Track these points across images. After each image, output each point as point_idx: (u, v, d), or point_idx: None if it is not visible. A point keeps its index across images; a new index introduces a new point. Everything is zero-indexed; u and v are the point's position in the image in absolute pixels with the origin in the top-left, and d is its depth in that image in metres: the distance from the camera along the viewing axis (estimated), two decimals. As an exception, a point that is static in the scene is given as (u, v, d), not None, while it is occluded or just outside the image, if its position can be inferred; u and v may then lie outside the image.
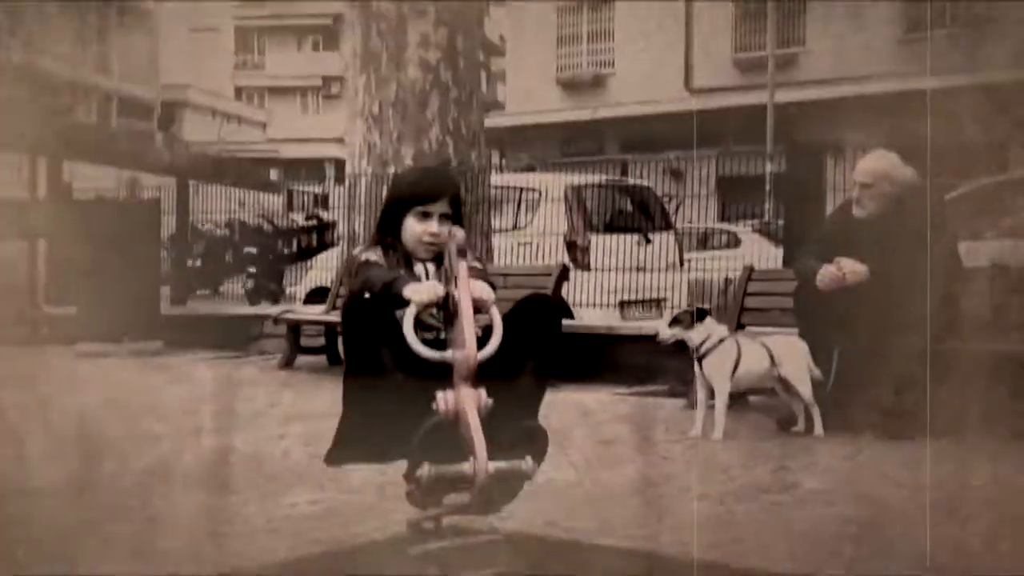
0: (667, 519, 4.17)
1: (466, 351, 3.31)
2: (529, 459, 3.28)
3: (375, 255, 3.72)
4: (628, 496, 4.62)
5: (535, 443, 3.36)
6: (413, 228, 3.74)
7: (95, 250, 10.47)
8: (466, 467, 3.17)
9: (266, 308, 12.30)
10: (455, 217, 3.77)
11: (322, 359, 9.46)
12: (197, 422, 6.48)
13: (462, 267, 3.49)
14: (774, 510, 4.34)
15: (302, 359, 9.32)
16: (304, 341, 9.50)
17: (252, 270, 15.39)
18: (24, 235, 11.63)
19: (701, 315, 5.96)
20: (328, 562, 3.68)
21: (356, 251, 3.84)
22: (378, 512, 4.18)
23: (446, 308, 3.51)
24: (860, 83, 21.08)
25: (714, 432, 5.78)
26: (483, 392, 3.32)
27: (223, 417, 6.81)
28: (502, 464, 3.21)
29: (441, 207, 3.74)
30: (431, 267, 3.76)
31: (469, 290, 3.42)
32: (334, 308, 9.25)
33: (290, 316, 9.53)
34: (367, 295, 3.50)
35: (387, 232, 3.80)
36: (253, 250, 15.96)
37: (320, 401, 7.11)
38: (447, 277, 3.60)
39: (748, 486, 4.80)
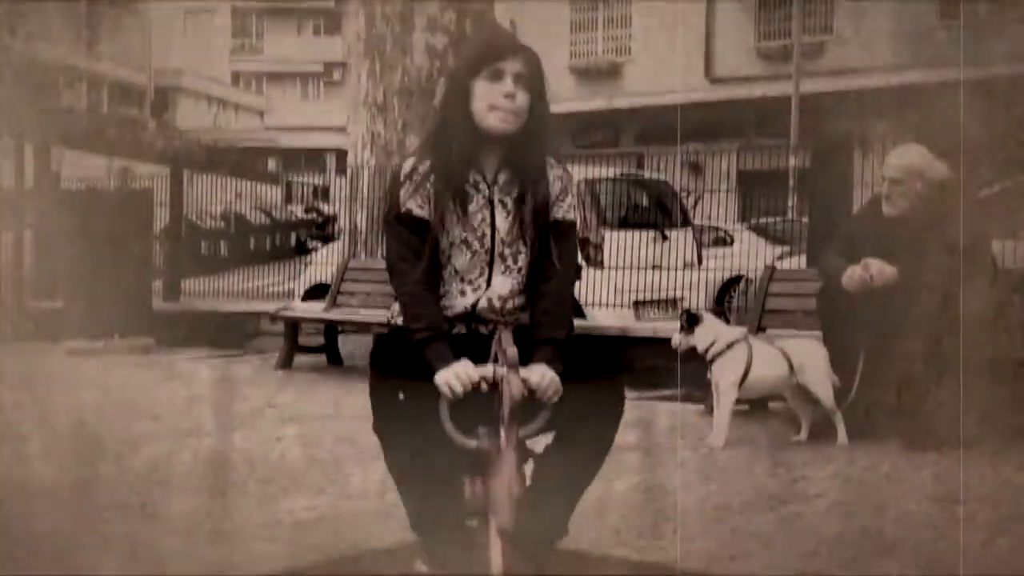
0: (682, 529, 4.19)
1: (501, 482, 3.08)
2: None
3: (417, 201, 3.24)
4: (641, 505, 4.64)
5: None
6: (484, 92, 3.24)
7: (84, 242, 10.51)
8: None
9: (262, 305, 12.32)
10: (535, 93, 3.30)
11: (321, 358, 9.49)
12: (191, 424, 6.50)
13: (514, 380, 3.07)
14: (794, 521, 4.36)
15: (301, 358, 9.35)
16: (303, 340, 9.53)
17: None
18: (10, 226, 11.67)
19: (693, 320, 5.95)
20: (327, 569, 3.70)
21: (399, 177, 3.30)
22: (379, 518, 4.20)
23: (492, 387, 3.14)
24: (891, 73, 21.04)
25: (713, 439, 5.79)
26: (516, 481, 3.12)
27: (218, 418, 6.84)
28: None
29: (515, 65, 3.26)
30: (499, 214, 3.28)
31: (515, 433, 3.09)
32: (334, 305, 9.28)
33: (288, 314, 9.55)
34: (401, 395, 3.11)
35: (444, 130, 3.28)
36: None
37: (319, 402, 7.14)
38: (495, 354, 3.20)
39: (767, 496, 4.82)
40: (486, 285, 3.31)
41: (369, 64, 9.34)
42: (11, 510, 4.35)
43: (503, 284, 3.31)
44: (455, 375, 3.07)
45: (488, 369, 3.12)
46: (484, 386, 3.10)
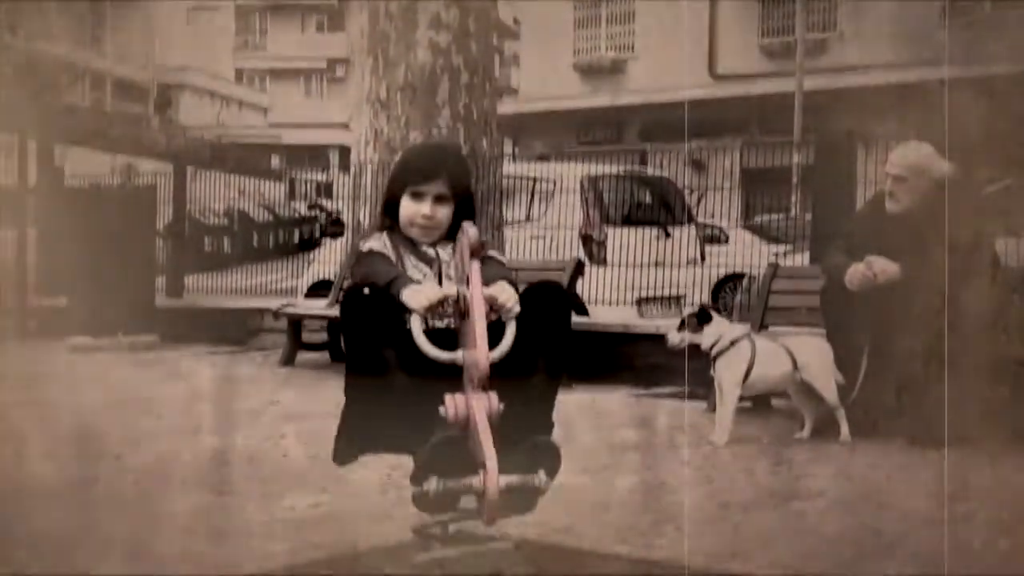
0: (684, 527, 4.18)
1: (476, 354, 3.26)
2: (542, 473, 3.27)
3: (378, 243, 3.67)
4: (644, 503, 4.63)
5: (548, 458, 3.35)
6: (406, 209, 3.66)
7: (88, 240, 10.51)
8: (475, 481, 3.15)
9: (266, 301, 12.32)
10: (462, 203, 3.69)
11: (325, 355, 9.49)
12: (194, 421, 6.51)
13: (475, 267, 3.42)
14: (796, 519, 4.35)
15: (303, 355, 9.35)
16: (306, 336, 9.53)
17: None
18: (13, 223, 11.67)
19: (705, 317, 5.95)
20: (329, 568, 3.70)
21: (360, 239, 3.81)
22: (381, 516, 4.20)
23: (457, 305, 3.44)
24: (894, 70, 21.00)
25: (716, 437, 5.78)
26: (494, 397, 3.28)
27: (221, 416, 6.84)
28: (513, 479, 3.19)
29: (436, 188, 3.64)
30: (442, 252, 3.70)
31: (481, 291, 3.36)
32: (337, 302, 9.27)
33: (291, 310, 9.55)
34: (366, 290, 3.44)
35: (389, 214, 3.74)
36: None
37: (322, 400, 7.13)
38: (459, 274, 3.55)
39: (769, 494, 4.81)
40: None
41: (372, 61, 9.33)
42: (11, 509, 4.35)
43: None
44: (421, 292, 3.38)
45: (451, 287, 3.43)
46: (450, 304, 3.39)
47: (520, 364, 3.40)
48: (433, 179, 3.66)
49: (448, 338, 3.44)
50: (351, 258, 3.80)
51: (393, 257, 3.64)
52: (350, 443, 3.60)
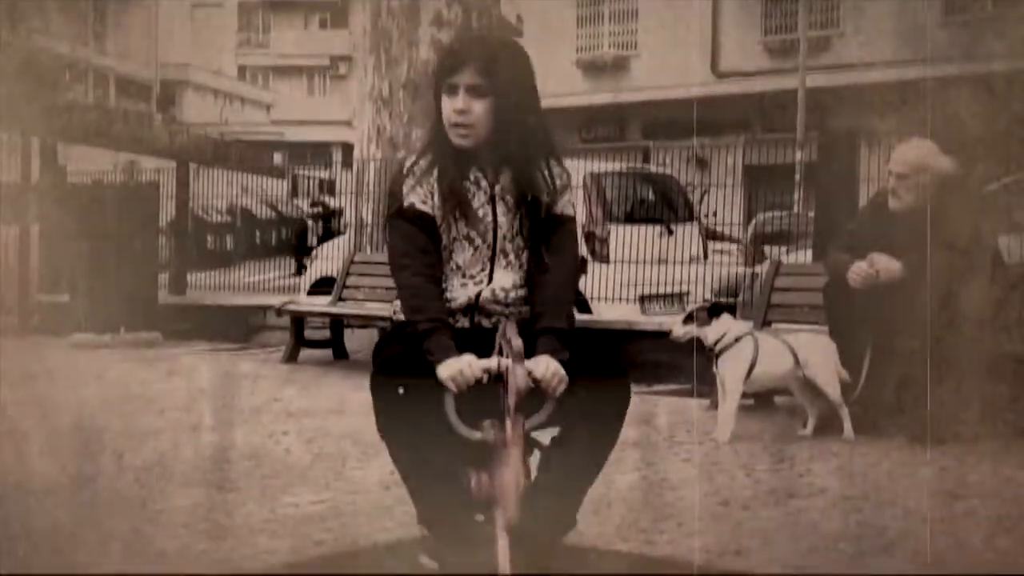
0: (686, 524, 4.18)
1: (505, 485, 3.08)
2: None
3: (421, 196, 3.27)
4: (646, 500, 4.63)
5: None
6: (444, 109, 3.26)
7: (90, 237, 10.52)
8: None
9: (268, 298, 12.33)
10: (507, 101, 3.23)
11: (327, 353, 9.49)
12: (196, 418, 6.51)
13: (519, 371, 3.06)
14: (798, 516, 4.35)
15: (306, 352, 9.35)
16: (308, 334, 9.53)
17: None
18: (16, 220, 11.67)
19: (717, 311, 5.94)
20: (330, 565, 3.70)
21: (407, 162, 3.36)
22: (383, 513, 4.20)
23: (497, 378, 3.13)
24: (897, 68, 20.97)
25: (718, 434, 5.78)
26: (523, 474, 3.11)
27: (223, 413, 6.84)
28: None
29: (468, 77, 3.23)
30: (501, 215, 3.30)
31: (520, 424, 3.08)
32: (340, 300, 9.27)
33: (294, 308, 9.55)
34: (401, 390, 3.11)
35: (436, 131, 3.32)
36: None
37: (324, 397, 7.14)
38: (499, 346, 3.18)
39: (771, 491, 4.81)
40: (488, 280, 3.32)
41: (375, 58, 9.34)
42: (12, 506, 4.35)
43: (505, 278, 3.32)
44: (459, 368, 3.07)
45: (492, 362, 3.12)
46: (486, 379, 3.10)
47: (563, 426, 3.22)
48: (462, 67, 3.25)
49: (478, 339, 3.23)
50: (390, 197, 3.37)
51: (438, 217, 3.28)
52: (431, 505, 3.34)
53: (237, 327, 11.10)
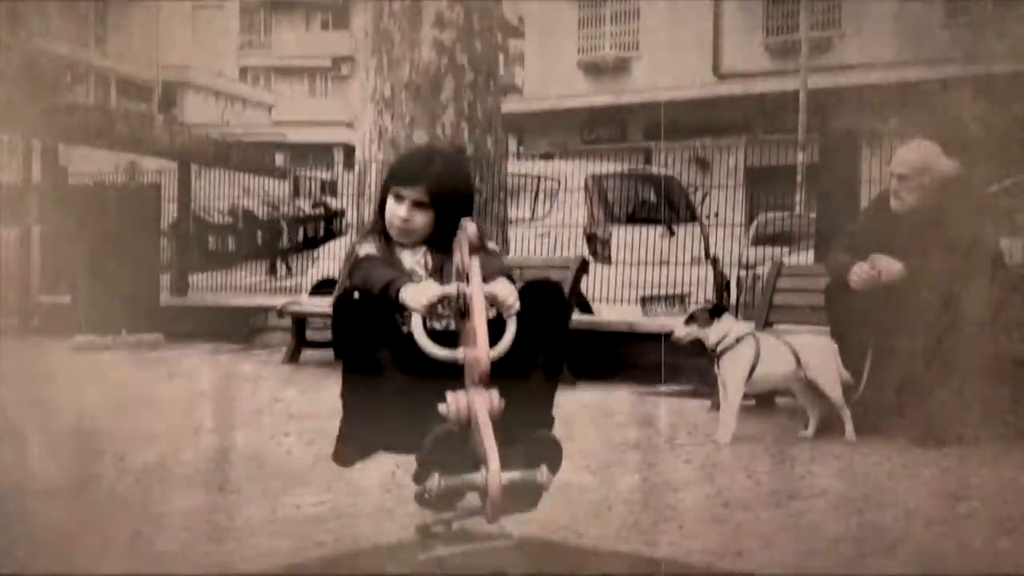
0: (688, 526, 4.18)
1: (477, 351, 3.29)
2: (544, 469, 3.28)
3: (372, 247, 3.73)
4: (647, 501, 4.63)
5: (550, 453, 3.35)
6: (389, 209, 3.76)
7: (92, 238, 10.52)
8: (478, 478, 3.16)
9: (270, 299, 12.34)
10: (450, 207, 3.70)
11: (329, 354, 9.48)
12: (197, 419, 6.51)
13: (474, 264, 3.45)
14: (799, 518, 4.35)
15: (307, 353, 9.35)
16: (310, 335, 9.53)
17: None
18: (17, 221, 11.69)
19: (718, 312, 5.95)
20: (331, 566, 3.70)
21: (354, 242, 3.86)
22: (384, 514, 4.20)
23: (457, 303, 3.49)
24: (898, 69, 21.00)
25: (719, 435, 5.78)
26: (495, 394, 3.30)
27: (224, 414, 6.84)
28: (515, 475, 3.20)
29: (415, 193, 3.71)
30: (428, 258, 3.74)
31: (481, 288, 3.40)
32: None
33: (295, 308, 9.55)
34: (356, 295, 3.50)
35: (382, 213, 3.82)
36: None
37: (326, 398, 7.10)
38: (459, 272, 3.56)
39: (772, 492, 4.81)
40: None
41: (377, 59, 9.33)
42: (13, 507, 4.35)
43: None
44: (421, 291, 3.43)
45: (451, 287, 3.47)
46: (448, 303, 3.49)
47: (519, 361, 3.43)
48: (412, 184, 3.72)
49: (447, 340, 3.46)
50: (347, 263, 3.84)
51: (388, 259, 3.69)
52: (351, 445, 3.64)
53: (238, 328, 11.10)
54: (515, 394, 3.37)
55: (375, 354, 3.45)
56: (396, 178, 3.79)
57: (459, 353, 3.37)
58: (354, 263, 3.72)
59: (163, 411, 6.70)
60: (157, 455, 5.36)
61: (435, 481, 3.21)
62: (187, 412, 6.74)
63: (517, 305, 3.43)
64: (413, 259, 3.74)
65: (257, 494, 4.63)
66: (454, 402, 3.29)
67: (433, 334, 3.43)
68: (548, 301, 3.59)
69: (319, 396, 7.29)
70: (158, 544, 3.92)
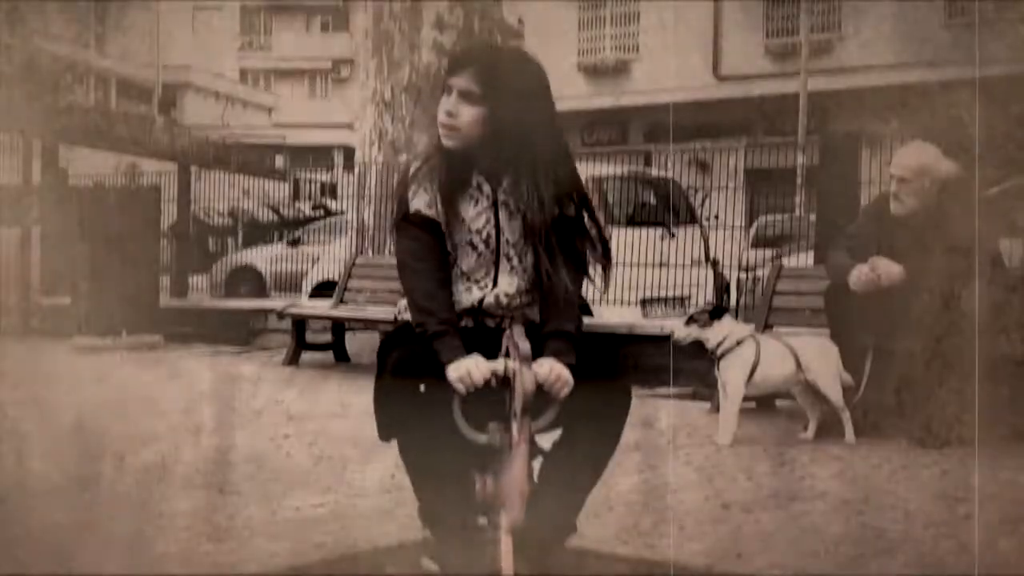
0: (688, 527, 4.19)
1: (512, 482, 3.09)
2: None
3: (426, 201, 3.26)
4: (647, 503, 4.63)
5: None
6: (440, 109, 3.29)
7: (92, 239, 10.52)
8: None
9: (269, 302, 12.34)
10: (497, 105, 3.22)
11: (328, 356, 9.49)
12: (197, 420, 6.51)
13: (527, 377, 3.07)
14: (799, 519, 4.35)
15: (307, 355, 9.35)
16: (309, 337, 9.53)
17: None
18: (17, 222, 11.68)
19: (718, 313, 5.95)
20: (330, 567, 3.70)
21: (412, 168, 3.36)
22: (384, 516, 4.20)
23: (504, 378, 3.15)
24: (899, 71, 21.00)
25: (719, 437, 5.78)
26: (529, 476, 3.15)
27: (224, 415, 6.84)
28: None
29: (461, 81, 3.23)
30: (503, 215, 3.29)
31: (529, 428, 3.09)
32: (341, 303, 9.28)
33: (295, 310, 9.55)
34: (423, 388, 3.12)
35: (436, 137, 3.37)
36: None
37: (325, 400, 7.15)
38: (506, 348, 3.18)
39: (773, 494, 4.81)
40: (492, 284, 3.33)
41: (377, 61, 9.34)
42: (13, 507, 4.36)
43: (509, 283, 3.33)
44: (467, 369, 3.06)
45: (499, 364, 3.11)
46: (494, 381, 3.10)
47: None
48: (460, 70, 3.25)
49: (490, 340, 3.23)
50: (396, 201, 3.35)
51: (442, 222, 3.27)
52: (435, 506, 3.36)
53: (238, 330, 11.10)
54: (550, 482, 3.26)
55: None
56: (447, 66, 3.31)
57: (496, 439, 3.11)
58: (400, 222, 3.29)
59: (163, 412, 6.70)
60: (157, 456, 5.37)
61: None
62: (187, 413, 6.74)
63: (565, 391, 3.13)
64: (473, 212, 3.29)
65: (257, 495, 4.63)
66: (481, 487, 3.19)
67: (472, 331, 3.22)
68: (608, 391, 3.26)
69: (319, 398, 7.30)
70: (158, 544, 3.92)
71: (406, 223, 3.28)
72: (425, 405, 3.13)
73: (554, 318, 3.26)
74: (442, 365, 3.09)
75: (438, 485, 3.26)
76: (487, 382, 3.09)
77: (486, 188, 3.32)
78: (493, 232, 3.31)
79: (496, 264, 3.32)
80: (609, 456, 3.33)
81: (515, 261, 3.33)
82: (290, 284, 13.71)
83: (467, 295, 3.32)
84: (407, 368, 3.16)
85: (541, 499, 3.22)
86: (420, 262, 3.25)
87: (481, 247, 3.31)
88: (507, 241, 3.32)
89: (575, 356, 3.19)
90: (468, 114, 3.23)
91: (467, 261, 3.31)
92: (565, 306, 3.29)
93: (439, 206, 3.26)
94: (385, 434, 3.25)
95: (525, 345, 3.09)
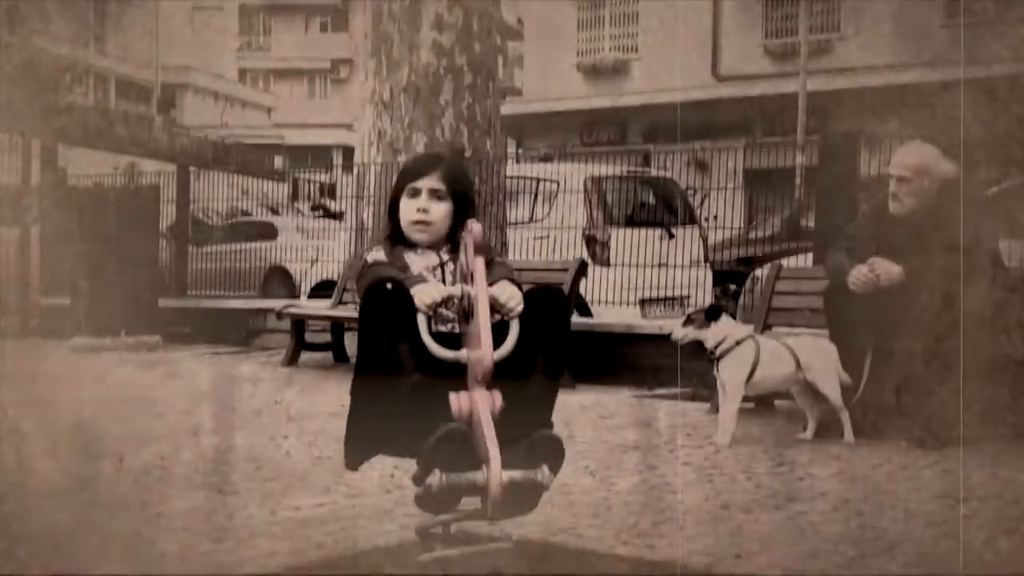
0: (686, 528, 4.19)
1: (481, 352, 3.33)
2: (545, 469, 3.29)
3: (381, 253, 3.75)
4: (646, 503, 4.63)
5: (551, 452, 3.36)
6: (404, 209, 3.76)
7: (91, 239, 10.54)
8: (479, 476, 3.19)
9: (269, 302, 12.34)
10: (460, 203, 3.76)
11: (328, 356, 9.49)
12: (196, 421, 6.52)
13: (478, 263, 3.49)
14: (798, 519, 4.35)
15: (306, 356, 9.35)
16: (309, 337, 9.53)
17: None
18: (16, 222, 11.68)
19: (715, 314, 5.95)
20: (330, 567, 3.70)
21: (363, 252, 3.89)
22: (383, 516, 4.21)
23: (462, 305, 3.52)
24: (897, 71, 21.01)
25: (719, 437, 5.79)
26: (497, 395, 3.34)
27: (223, 416, 6.85)
28: (516, 474, 3.22)
29: (431, 182, 3.74)
30: (444, 255, 3.75)
31: (486, 289, 3.43)
32: (340, 303, 9.28)
33: (294, 310, 9.55)
34: (389, 285, 3.47)
35: (393, 219, 3.83)
36: None
37: (325, 400, 7.15)
38: (463, 273, 3.59)
39: (772, 494, 4.81)
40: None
41: (376, 62, 9.34)
42: (12, 507, 4.36)
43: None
44: (427, 290, 3.45)
45: (456, 288, 3.51)
46: (455, 303, 3.50)
47: (521, 364, 3.44)
48: (427, 173, 3.76)
49: (452, 342, 3.48)
50: (353, 270, 3.85)
51: (397, 265, 3.70)
52: (359, 445, 3.61)
53: (237, 330, 11.11)
54: (516, 396, 3.39)
55: (396, 349, 3.42)
56: (410, 173, 3.82)
57: (463, 354, 3.39)
58: (361, 270, 3.73)
59: (162, 412, 6.70)
60: (156, 456, 5.37)
61: (436, 478, 3.22)
62: (186, 413, 6.74)
63: (520, 308, 3.45)
64: (423, 263, 3.73)
65: (256, 495, 4.63)
66: (456, 402, 3.32)
67: (439, 336, 3.45)
68: (550, 305, 3.59)
69: (318, 398, 7.30)
70: (158, 544, 3.92)
71: (364, 268, 3.73)
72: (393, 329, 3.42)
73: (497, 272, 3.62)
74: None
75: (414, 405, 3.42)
76: (446, 303, 3.48)
77: (429, 252, 3.79)
78: (439, 269, 3.78)
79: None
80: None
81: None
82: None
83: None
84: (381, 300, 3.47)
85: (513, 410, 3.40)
86: (380, 267, 3.71)
87: (430, 277, 3.71)
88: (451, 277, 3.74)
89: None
90: (437, 210, 3.74)
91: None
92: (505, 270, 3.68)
93: (391, 256, 3.75)
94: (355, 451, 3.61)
95: (478, 227, 3.57)
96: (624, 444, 5.85)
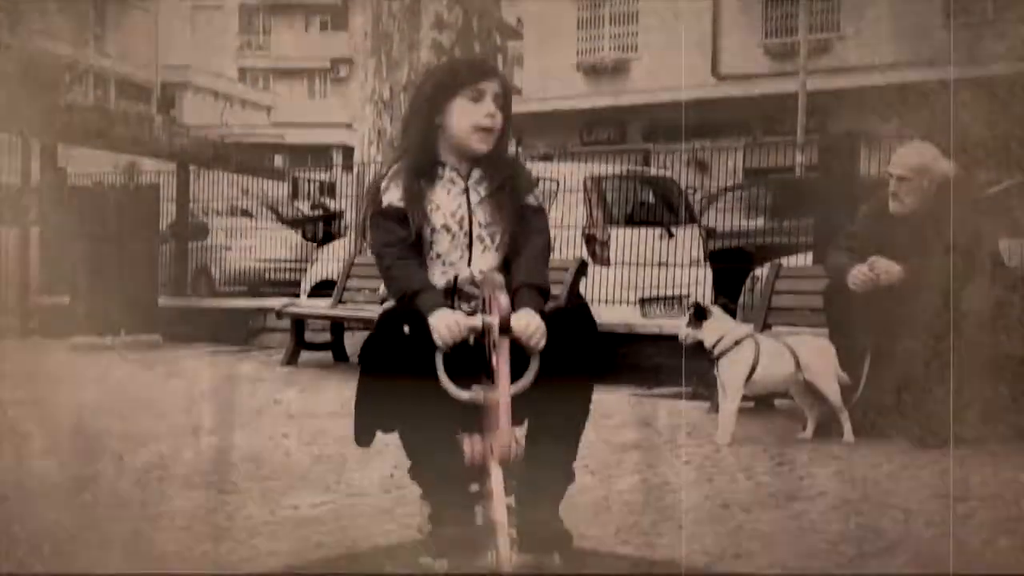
0: (686, 527, 4.18)
1: (499, 433, 3.14)
2: (556, 557, 3.26)
3: (398, 195, 3.40)
4: (646, 503, 4.63)
5: (561, 543, 3.30)
6: (464, 115, 3.40)
7: (91, 239, 10.53)
8: (489, 558, 3.12)
9: (268, 301, 12.34)
10: (508, 105, 3.45)
11: (327, 355, 9.49)
12: (196, 420, 6.51)
13: (503, 351, 3.16)
14: (798, 519, 4.35)
15: (306, 355, 9.35)
16: (308, 336, 9.53)
17: None
18: (16, 222, 11.68)
19: (701, 313, 5.95)
20: (331, 566, 3.70)
21: (379, 178, 3.53)
22: (383, 515, 4.20)
23: (487, 339, 3.24)
24: (897, 71, 21.00)
25: (718, 436, 5.78)
26: (520, 436, 3.23)
27: (222, 415, 6.84)
28: (528, 558, 3.18)
29: (495, 87, 3.43)
30: (473, 194, 3.45)
31: (508, 388, 3.14)
32: (340, 302, 9.28)
33: (294, 310, 9.55)
34: (407, 329, 3.18)
35: (426, 137, 3.47)
36: None
37: (325, 399, 7.15)
38: (486, 302, 3.29)
39: (772, 494, 4.81)
40: (467, 266, 3.46)
41: (376, 61, 9.35)
42: (12, 507, 4.35)
43: (483, 261, 3.45)
44: (450, 319, 3.19)
45: (477, 320, 3.24)
46: (473, 338, 3.23)
47: (543, 397, 3.24)
48: (490, 77, 3.45)
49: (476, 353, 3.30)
50: (368, 195, 3.57)
51: (414, 213, 3.40)
52: (367, 421, 3.39)
53: (237, 329, 11.11)
54: (538, 435, 3.29)
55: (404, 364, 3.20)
56: (468, 75, 3.45)
57: (479, 395, 3.22)
58: (374, 214, 3.44)
59: (162, 412, 6.70)
60: (156, 455, 5.37)
61: (442, 566, 3.23)
62: (186, 413, 6.74)
63: (542, 343, 3.18)
64: (449, 206, 3.43)
65: (256, 495, 4.63)
66: (469, 446, 3.24)
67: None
68: (578, 329, 3.29)
69: (318, 397, 7.30)
70: (158, 544, 3.92)
71: (379, 216, 3.44)
72: (410, 360, 3.19)
73: (521, 274, 3.37)
74: (424, 345, 3.18)
75: (430, 455, 3.30)
76: (466, 340, 3.21)
77: (457, 179, 3.49)
78: (466, 215, 3.45)
79: (470, 246, 3.46)
80: (588, 402, 3.38)
81: (487, 242, 3.47)
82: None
83: (443, 277, 3.44)
84: (388, 365, 3.23)
85: (532, 457, 3.29)
86: (392, 247, 3.39)
87: (455, 228, 3.44)
88: (479, 223, 3.46)
89: (545, 302, 3.31)
90: (500, 118, 3.45)
91: (442, 244, 3.44)
92: (533, 264, 3.41)
93: (409, 198, 3.41)
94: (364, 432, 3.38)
95: (505, 298, 3.19)
96: (624, 443, 5.85)
